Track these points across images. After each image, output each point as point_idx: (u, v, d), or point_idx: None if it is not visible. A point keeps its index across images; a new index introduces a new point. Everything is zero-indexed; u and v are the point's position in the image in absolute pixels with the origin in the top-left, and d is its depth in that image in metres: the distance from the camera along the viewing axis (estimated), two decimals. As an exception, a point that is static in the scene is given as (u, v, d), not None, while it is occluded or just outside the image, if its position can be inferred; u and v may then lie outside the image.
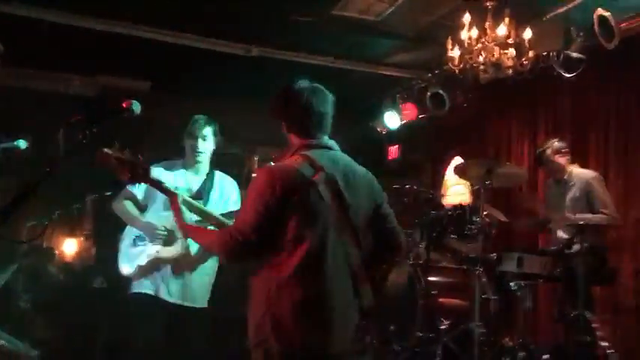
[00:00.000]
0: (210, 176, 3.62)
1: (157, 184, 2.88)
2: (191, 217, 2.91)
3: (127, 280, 3.47)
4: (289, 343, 2.22)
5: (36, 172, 3.56)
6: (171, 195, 2.80)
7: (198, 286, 3.47)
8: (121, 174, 2.71)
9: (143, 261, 3.35)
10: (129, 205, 3.49)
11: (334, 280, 2.28)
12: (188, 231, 2.68)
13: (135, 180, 2.79)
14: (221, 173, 3.70)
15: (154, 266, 3.36)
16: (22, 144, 3.49)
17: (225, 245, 2.30)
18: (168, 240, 3.34)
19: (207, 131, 3.57)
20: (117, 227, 3.64)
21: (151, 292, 3.37)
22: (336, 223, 2.31)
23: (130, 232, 3.48)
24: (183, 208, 2.78)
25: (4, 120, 5.69)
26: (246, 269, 2.45)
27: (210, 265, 3.52)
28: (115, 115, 2.28)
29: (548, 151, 4.97)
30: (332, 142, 2.49)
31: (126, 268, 3.42)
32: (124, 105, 2.27)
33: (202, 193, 3.51)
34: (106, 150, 2.71)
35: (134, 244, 3.42)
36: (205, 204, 3.38)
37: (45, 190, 2.27)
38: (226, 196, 3.62)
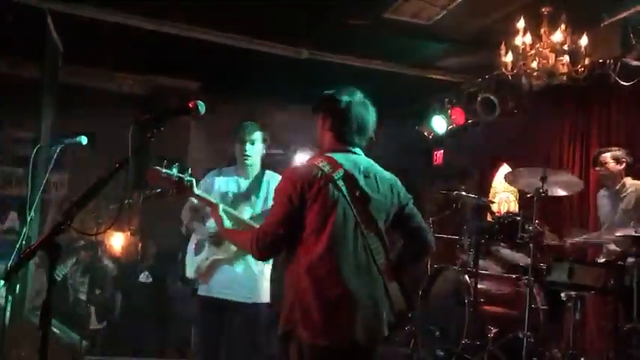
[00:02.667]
0: (258, 178, 3.72)
1: (200, 197, 3.15)
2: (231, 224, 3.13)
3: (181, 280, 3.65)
4: (316, 332, 2.32)
5: (90, 169, 3.68)
6: (212, 206, 3.07)
7: (245, 280, 3.54)
8: (169, 189, 3.03)
9: (203, 264, 3.56)
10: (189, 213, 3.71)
11: (356, 272, 2.40)
12: (226, 234, 3.04)
13: (181, 195, 3.11)
14: (271, 173, 3.77)
15: (212, 269, 3.55)
16: (84, 140, 3.56)
17: (257, 241, 2.47)
18: (218, 242, 3.51)
19: (256, 136, 3.69)
20: (162, 224, 3.79)
21: (206, 293, 3.57)
22: (357, 215, 2.43)
23: (193, 239, 3.69)
24: (224, 216, 3.00)
25: (63, 117, 5.86)
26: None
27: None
28: (182, 114, 2.33)
29: (607, 155, 4.88)
30: (358, 149, 2.61)
31: (189, 272, 3.66)
32: (190, 105, 2.32)
33: (250, 195, 3.64)
34: (156, 168, 2.99)
35: (196, 249, 3.64)
36: (253, 205, 3.57)
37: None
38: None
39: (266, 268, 3.63)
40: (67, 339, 4.47)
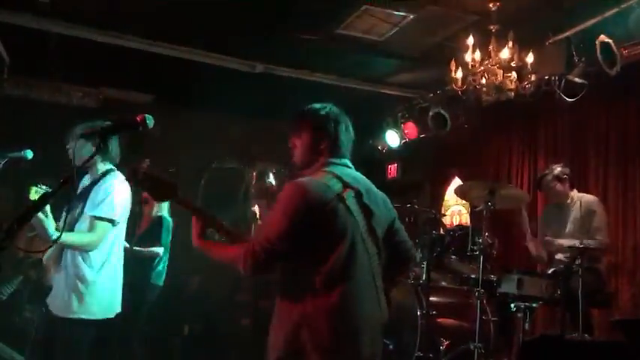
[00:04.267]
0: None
1: (186, 202, 2.65)
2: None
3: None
4: (326, 353, 2.26)
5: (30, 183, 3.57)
6: (198, 213, 2.62)
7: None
8: (149, 192, 2.64)
9: None
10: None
11: (363, 289, 2.36)
12: (206, 247, 2.57)
13: (162, 198, 2.77)
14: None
15: None
16: (29, 154, 3.47)
17: (252, 255, 2.29)
18: None
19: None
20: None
21: None
22: (364, 234, 2.40)
23: None
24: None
25: (7, 130, 5.69)
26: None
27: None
28: (129, 128, 2.28)
29: (549, 177, 4.99)
30: (349, 162, 2.57)
31: None
32: (138, 119, 2.25)
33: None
34: (135, 166, 2.70)
35: None
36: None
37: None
38: None
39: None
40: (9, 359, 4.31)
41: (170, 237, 5.52)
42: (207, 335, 7.03)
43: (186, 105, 7.20)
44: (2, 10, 5.29)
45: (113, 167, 3.54)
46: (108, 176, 3.46)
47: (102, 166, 3.51)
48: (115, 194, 3.39)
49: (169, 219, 5.57)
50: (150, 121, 2.29)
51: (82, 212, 3.38)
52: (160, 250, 5.42)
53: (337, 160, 2.51)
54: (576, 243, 4.42)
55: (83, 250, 3.35)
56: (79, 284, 3.34)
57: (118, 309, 3.53)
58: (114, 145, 3.52)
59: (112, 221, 3.39)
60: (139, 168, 2.64)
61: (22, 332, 4.82)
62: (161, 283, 5.50)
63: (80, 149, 3.29)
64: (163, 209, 5.59)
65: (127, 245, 5.38)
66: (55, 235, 3.09)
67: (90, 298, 3.35)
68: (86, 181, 3.54)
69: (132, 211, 5.77)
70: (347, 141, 2.55)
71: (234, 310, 7.37)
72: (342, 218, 2.34)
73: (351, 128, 2.58)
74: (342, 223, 2.34)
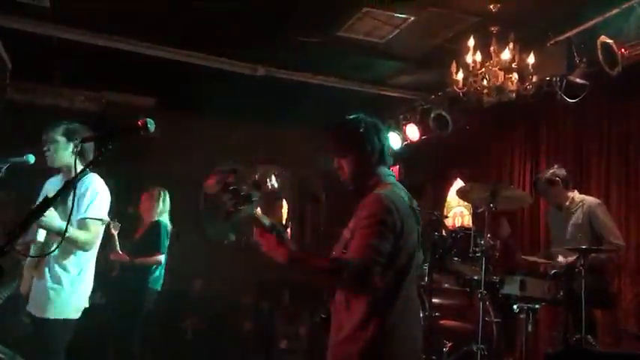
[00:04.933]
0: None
1: (259, 221, 2.40)
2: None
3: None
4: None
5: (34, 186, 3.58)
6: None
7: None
8: (223, 202, 2.31)
9: None
10: None
11: (416, 299, 2.47)
12: (296, 259, 2.34)
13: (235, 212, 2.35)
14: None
15: None
16: (31, 159, 3.50)
17: (355, 270, 2.21)
18: None
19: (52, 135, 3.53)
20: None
21: None
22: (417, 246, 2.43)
23: None
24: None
25: (9, 134, 5.70)
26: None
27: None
28: (131, 133, 2.29)
29: (541, 180, 4.94)
30: None
31: None
32: (139, 123, 2.27)
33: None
34: (221, 170, 2.47)
35: None
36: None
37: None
38: None
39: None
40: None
41: (168, 241, 5.53)
42: (210, 337, 7.05)
43: (188, 108, 7.22)
44: (4, 15, 5.31)
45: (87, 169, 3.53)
46: (87, 177, 3.47)
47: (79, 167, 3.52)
48: (101, 195, 3.48)
49: (167, 223, 5.57)
50: (151, 125, 2.30)
51: (63, 212, 3.31)
52: (161, 258, 5.44)
53: (388, 170, 2.50)
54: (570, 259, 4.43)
55: (81, 248, 3.40)
56: (57, 287, 3.41)
57: (86, 304, 3.56)
58: (91, 147, 3.46)
59: (101, 220, 3.50)
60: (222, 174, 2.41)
61: (19, 334, 4.82)
62: (159, 287, 5.51)
63: (60, 151, 3.44)
64: (161, 214, 5.59)
65: (122, 252, 5.42)
66: (62, 226, 3.11)
67: (68, 300, 3.42)
68: (57, 181, 3.58)
69: (126, 213, 5.85)
70: (389, 146, 2.55)
71: (237, 312, 7.40)
72: (413, 231, 2.36)
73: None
74: (413, 236, 2.36)
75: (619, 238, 4.69)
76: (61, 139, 3.49)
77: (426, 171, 7.95)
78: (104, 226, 3.58)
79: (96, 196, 3.45)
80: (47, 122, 3.60)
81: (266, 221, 2.38)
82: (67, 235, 3.05)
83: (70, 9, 5.26)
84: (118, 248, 5.44)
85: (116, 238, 5.43)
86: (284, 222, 8.48)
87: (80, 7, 5.23)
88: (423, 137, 7.16)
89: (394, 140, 7.45)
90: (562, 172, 4.92)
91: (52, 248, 2.91)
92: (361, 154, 2.46)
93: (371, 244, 2.23)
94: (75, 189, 3.31)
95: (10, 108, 6.02)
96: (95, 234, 3.45)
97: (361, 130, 2.46)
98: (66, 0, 5.12)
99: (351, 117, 2.53)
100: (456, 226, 7.08)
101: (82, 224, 3.38)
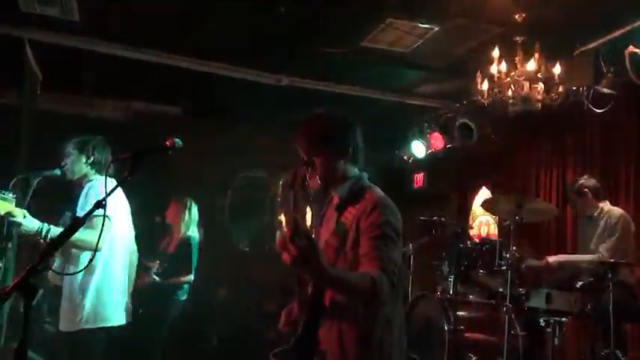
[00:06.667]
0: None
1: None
2: None
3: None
4: None
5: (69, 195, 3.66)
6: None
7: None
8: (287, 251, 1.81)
9: None
10: None
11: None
12: (335, 276, 2.06)
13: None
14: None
15: None
16: (59, 172, 3.64)
17: (387, 279, 2.09)
18: None
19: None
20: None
21: None
22: None
23: None
24: None
25: (40, 144, 5.81)
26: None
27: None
28: (160, 152, 2.34)
29: (571, 192, 4.93)
30: None
31: None
32: (168, 144, 2.34)
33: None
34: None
35: None
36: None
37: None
38: None
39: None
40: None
41: (197, 255, 5.60)
42: (234, 345, 7.08)
43: (213, 117, 7.29)
44: (36, 29, 5.44)
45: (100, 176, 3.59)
46: (93, 181, 3.54)
47: (92, 176, 3.61)
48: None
49: (196, 237, 5.63)
50: (179, 144, 2.36)
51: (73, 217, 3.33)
52: (191, 277, 5.50)
53: (363, 172, 2.37)
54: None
55: (88, 248, 3.27)
56: (80, 295, 3.39)
57: (123, 320, 3.58)
58: (104, 156, 3.62)
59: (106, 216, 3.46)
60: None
61: (43, 342, 4.90)
62: (184, 298, 5.59)
63: (75, 163, 3.56)
64: (190, 225, 5.65)
65: (154, 268, 5.48)
66: (40, 225, 3.09)
67: (91, 307, 3.40)
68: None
69: (151, 222, 5.90)
70: (361, 146, 2.38)
71: (261, 320, 7.42)
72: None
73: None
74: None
75: (610, 251, 4.56)
76: (74, 152, 3.61)
77: (451, 180, 7.91)
78: (110, 220, 3.44)
79: (98, 195, 3.41)
80: (76, 132, 3.71)
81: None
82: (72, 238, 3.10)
83: (98, 22, 5.38)
84: (154, 276, 5.50)
85: (152, 272, 5.49)
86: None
87: (108, 20, 5.34)
88: (448, 146, 7.13)
89: (419, 149, 7.45)
90: (591, 182, 4.89)
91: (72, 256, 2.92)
92: (337, 152, 2.30)
93: (392, 257, 2.15)
94: (86, 197, 3.42)
95: (41, 118, 6.13)
96: (98, 229, 3.41)
97: (337, 127, 2.32)
98: (95, 14, 5.22)
99: (323, 113, 2.36)
100: (482, 235, 7.03)
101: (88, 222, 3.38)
